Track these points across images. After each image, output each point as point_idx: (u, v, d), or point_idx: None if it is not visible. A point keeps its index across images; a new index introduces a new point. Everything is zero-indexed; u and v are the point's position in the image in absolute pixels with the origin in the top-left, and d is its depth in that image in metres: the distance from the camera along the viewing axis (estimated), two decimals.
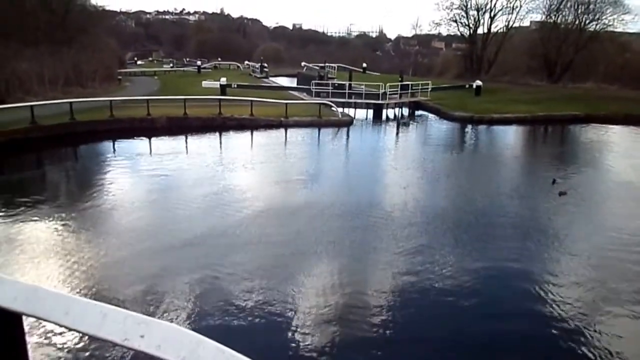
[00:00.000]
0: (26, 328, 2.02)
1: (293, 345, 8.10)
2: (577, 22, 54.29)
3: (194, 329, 1.74)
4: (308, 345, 8.09)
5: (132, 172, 19.53)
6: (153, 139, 25.86)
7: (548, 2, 56.22)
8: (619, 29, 53.58)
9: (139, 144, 25.14)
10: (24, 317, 1.94)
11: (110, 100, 28.14)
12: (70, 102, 26.24)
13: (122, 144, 24.79)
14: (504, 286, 10.55)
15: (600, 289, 10.17)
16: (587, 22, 53.57)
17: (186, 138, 26.33)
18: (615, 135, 30.85)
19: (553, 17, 56.09)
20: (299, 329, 8.51)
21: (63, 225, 13.20)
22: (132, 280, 10.12)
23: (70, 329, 1.83)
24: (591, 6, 52.91)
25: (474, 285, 10.29)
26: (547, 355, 8.25)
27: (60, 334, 7.67)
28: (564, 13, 55.43)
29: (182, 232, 12.78)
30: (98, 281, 10.00)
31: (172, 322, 8.62)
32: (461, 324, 8.92)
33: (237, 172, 19.81)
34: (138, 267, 10.76)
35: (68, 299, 1.86)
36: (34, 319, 2.02)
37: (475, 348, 8.31)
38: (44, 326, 7.63)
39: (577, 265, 11.31)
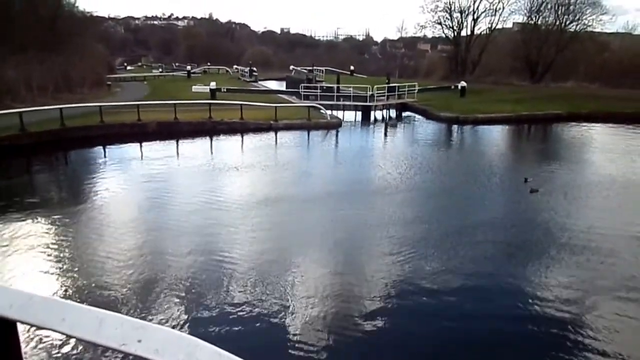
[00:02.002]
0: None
1: None
2: (557, 22, 55.36)
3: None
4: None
5: (124, 177, 19.65)
6: (144, 144, 25.99)
7: (529, 3, 57.27)
8: (598, 29, 54.82)
9: (130, 149, 25.28)
10: (18, 324, 1.94)
11: (100, 106, 28.19)
12: (60, 108, 26.06)
13: (113, 150, 24.89)
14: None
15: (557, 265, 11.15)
16: (568, 22, 54.76)
17: (177, 142, 26.59)
18: (597, 133, 31.63)
19: (534, 18, 57.13)
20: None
21: (55, 228, 13.49)
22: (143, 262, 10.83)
23: (66, 336, 1.90)
24: (571, 7, 54.09)
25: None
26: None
27: (56, 340, 7.81)
28: (544, 14, 56.55)
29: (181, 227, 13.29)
30: (95, 277, 10.42)
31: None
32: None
33: (229, 173, 20.22)
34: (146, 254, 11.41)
35: (64, 305, 1.88)
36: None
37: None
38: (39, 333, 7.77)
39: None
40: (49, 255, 11.55)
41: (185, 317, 9.02)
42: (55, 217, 14.45)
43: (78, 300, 9.31)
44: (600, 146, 27.34)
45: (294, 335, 8.54)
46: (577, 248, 12.27)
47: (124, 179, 19.26)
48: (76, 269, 10.88)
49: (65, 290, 9.92)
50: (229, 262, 11.26)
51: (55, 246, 12.12)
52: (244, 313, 9.16)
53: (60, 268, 10.94)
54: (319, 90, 38.00)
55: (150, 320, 8.03)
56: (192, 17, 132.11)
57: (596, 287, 10.34)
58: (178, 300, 9.59)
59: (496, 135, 32.70)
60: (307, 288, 10.17)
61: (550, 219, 14.57)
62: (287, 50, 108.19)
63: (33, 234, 12.80)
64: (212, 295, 9.73)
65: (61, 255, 11.61)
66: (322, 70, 60.64)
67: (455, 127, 33.78)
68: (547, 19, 56.36)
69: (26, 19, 40.06)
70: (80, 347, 7.72)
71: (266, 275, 10.59)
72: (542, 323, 8.95)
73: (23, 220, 13.80)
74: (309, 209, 15.51)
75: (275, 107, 31.33)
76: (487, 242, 12.92)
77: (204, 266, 11.05)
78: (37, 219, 14.07)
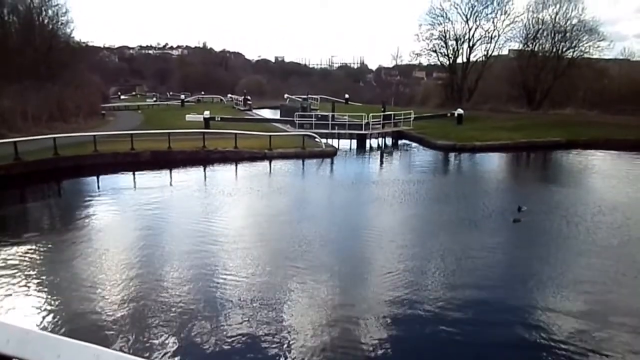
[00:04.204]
0: None
1: None
2: (554, 49, 55.54)
3: None
4: None
5: (118, 206, 19.33)
6: (137, 173, 25.73)
7: (525, 31, 57.59)
8: (596, 55, 54.93)
9: (124, 179, 24.95)
10: None
11: (94, 135, 28.17)
12: (54, 138, 26.18)
13: (107, 179, 24.65)
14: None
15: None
16: (564, 49, 54.85)
17: (171, 172, 26.25)
18: (598, 160, 31.38)
19: (530, 45, 57.34)
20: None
21: (48, 258, 13.24)
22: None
23: None
24: (567, 34, 54.22)
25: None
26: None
27: None
28: (541, 41, 56.72)
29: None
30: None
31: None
32: None
33: (223, 203, 19.84)
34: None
35: (60, 341, 1.81)
36: None
37: None
38: None
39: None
40: (42, 285, 11.39)
41: (181, 347, 8.88)
42: (48, 247, 14.35)
43: (72, 332, 9.12)
44: (603, 174, 27.03)
45: None
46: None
47: (118, 209, 19.03)
48: (69, 299, 10.68)
49: (58, 322, 9.70)
50: (222, 294, 11.00)
51: (49, 276, 11.96)
52: (239, 338, 9.14)
53: (53, 298, 10.72)
54: (313, 119, 37.87)
55: (145, 354, 8.53)
56: (187, 47, 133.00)
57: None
58: (173, 330, 9.40)
59: (495, 164, 32.44)
60: (300, 305, 10.31)
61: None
62: (281, 78, 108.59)
63: (26, 264, 12.65)
64: (207, 325, 9.61)
65: (54, 285, 11.43)
66: (317, 99, 60.67)
67: (452, 155, 33.48)
68: (543, 46, 56.60)
69: (22, 50, 40.19)
70: None
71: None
72: None
73: (16, 250, 13.66)
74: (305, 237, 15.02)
75: (270, 135, 31.07)
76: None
77: (197, 296, 10.89)
78: (30, 249, 13.91)
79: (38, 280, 11.68)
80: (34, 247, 14.13)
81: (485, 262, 13.34)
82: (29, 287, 11.27)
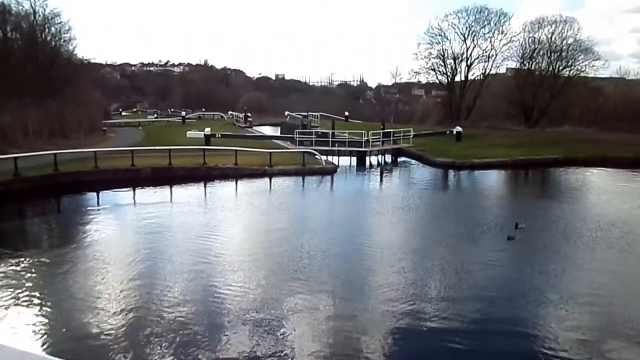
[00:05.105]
0: None
1: None
2: (550, 68, 56.02)
3: None
4: None
5: (117, 223, 19.39)
6: (138, 189, 25.75)
7: (522, 50, 58.11)
8: (591, 74, 55.42)
9: (124, 195, 24.95)
10: None
11: (95, 151, 28.28)
12: (55, 154, 26.20)
13: (107, 195, 24.65)
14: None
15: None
16: (561, 68, 55.38)
17: (171, 188, 26.31)
18: (595, 177, 31.61)
19: (527, 64, 57.81)
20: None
21: (46, 276, 13.17)
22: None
23: None
24: (563, 53, 54.81)
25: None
26: None
27: None
28: (537, 60, 57.20)
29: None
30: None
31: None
32: None
33: (225, 216, 20.04)
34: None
35: None
36: None
37: None
38: None
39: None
40: (39, 304, 11.30)
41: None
42: (47, 263, 14.26)
43: (70, 353, 9.09)
44: (601, 190, 27.21)
45: None
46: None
47: (118, 225, 19.08)
48: (68, 317, 10.64)
49: (56, 342, 9.64)
50: (224, 309, 11.07)
51: (47, 294, 11.88)
52: (241, 353, 9.19)
53: (50, 317, 10.64)
54: (313, 136, 37.99)
55: None
56: (188, 64, 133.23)
57: None
58: (173, 348, 9.39)
59: (494, 180, 32.55)
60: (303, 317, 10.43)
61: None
62: (281, 96, 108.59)
63: (24, 281, 12.57)
64: (209, 341, 9.66)
65: (52, 303, 11.36)
66: (317, 116, 60.73)
67: (451, 172, 33.58)
68: (540, 65, 57.12)
69: (24, 66, 40.45)
70: None
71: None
72: None
73: (14, 267, 13.61)
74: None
75: (270, 152, 31.16)
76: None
77: (199, 311, 10.94)
78: (28, 265, 13.87)
79: (36, 299, 11.53)
80: (32, 264, 14.03)
81: (484, 274, 13.53)
82: (26, 305, 11.15)
